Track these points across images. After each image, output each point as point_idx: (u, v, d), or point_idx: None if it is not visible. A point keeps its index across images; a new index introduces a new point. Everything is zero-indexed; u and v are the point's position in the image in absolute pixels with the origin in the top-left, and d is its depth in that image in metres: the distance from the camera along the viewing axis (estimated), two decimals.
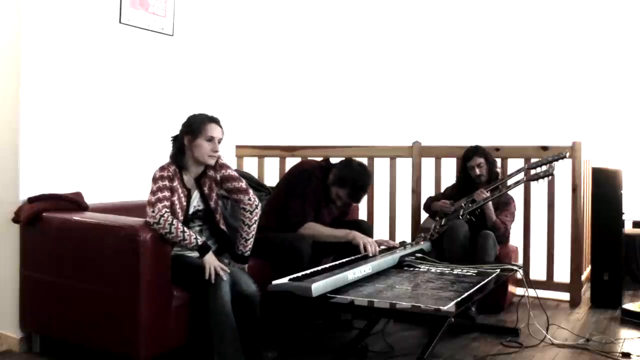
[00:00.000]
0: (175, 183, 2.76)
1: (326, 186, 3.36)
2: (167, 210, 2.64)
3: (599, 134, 5.44)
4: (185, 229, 2.63)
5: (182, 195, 2.76)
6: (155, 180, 2.73)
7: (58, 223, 2.86)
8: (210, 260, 2.64)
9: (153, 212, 2.60)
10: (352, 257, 3.08)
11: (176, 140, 2.83)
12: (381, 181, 4.47)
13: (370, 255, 3.12)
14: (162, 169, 2.76)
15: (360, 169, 3.36)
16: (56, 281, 2.83)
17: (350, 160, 3.42)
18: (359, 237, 3.18)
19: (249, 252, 2.86)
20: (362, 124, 5.96)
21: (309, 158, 4.30)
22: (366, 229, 3.45)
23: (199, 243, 2.64)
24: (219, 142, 2.80)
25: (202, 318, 2.62)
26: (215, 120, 2.81)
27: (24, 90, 3.00)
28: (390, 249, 3.33)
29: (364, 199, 4.37)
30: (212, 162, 2.80)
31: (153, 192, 2.69)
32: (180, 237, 2.59)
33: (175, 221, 2.60)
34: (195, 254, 2.72)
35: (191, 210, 2.81)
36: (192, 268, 2.67)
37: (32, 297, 2.95)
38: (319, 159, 3.76)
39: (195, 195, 2.83)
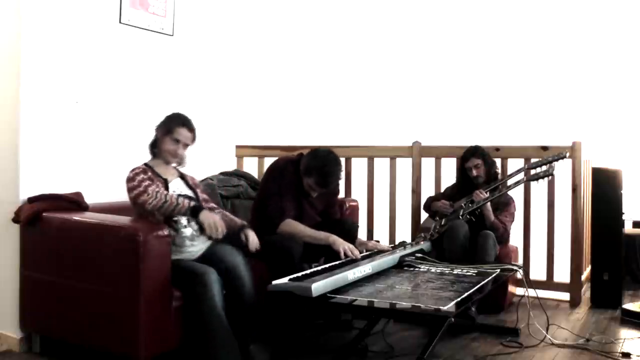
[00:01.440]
0: (149, 174, 2.83)
1: (300, 179, 3.34)
2: (161, 189, 2.75)
3: (599, 134, 5.44)
4: (177, 195, 2.75)
5: (159, 183, 2.83)
6: (130, 180, 2.78)
7: (58, 223, 2.87)
8: (208, 215, 2.73)
9: (148, 194, 2.68)
10: (347, 259, 3.06)
11: (156, 129, 2.97)
12: (381, 181, 4.47)
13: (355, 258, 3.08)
14: (131, 170, 2.84)
15: (326, 155, 3.29)
16: (56, 281, 2.83)
17: (316, 149, 3.36)
18: (339, 244, 3.11)
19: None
20: (362, 124, 5.96)
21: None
22: (350, 228, 3.40)
23: (191, 205, 2.73)
24: (186, 147, 2.91)
25: (194, 320, 2.62)
26: (188, 127, 2.91)
27: (24, 90, 3.00)
28: (380, 252, 3.28)
29: (365, 199, 4.43)
30: (171, 161, 2.92)
31: (136, 186, 2.74)
32: (174, 203, 2.69)
33: (167, 192, 2.74)
34: (191, 256, 2.76)
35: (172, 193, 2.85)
36: (186, 272, 2.67)
37: (32, 297, 2.95)
38: None
39: (176, 183, 2.94)
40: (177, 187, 2.92)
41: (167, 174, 2.93)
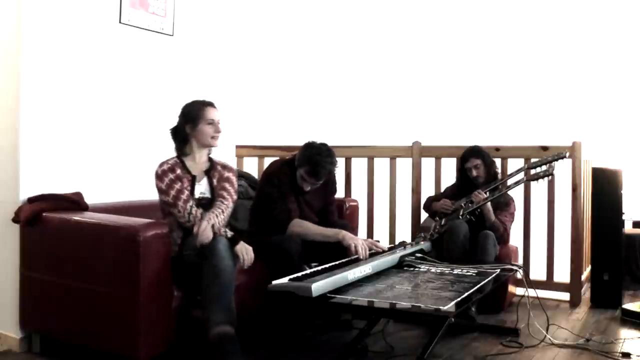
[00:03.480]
0: (178, 171, 2.85)
1: (296, 178, 3.35)
2: (190, 203, 2.77)
3: (599, 134, 5.45)
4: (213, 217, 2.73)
5: (186, 181, 2.85)
6: (159, 177, 2.82)
7: (58, 223, 2.86)
8: (242, 247, 2.73)
9: (179, 211, 2.75)
10: (343, 260, 3.04)
11: (177, 131, 2.95)
12: (381, 181, 4.47)
13: (361, 258, 3.06)
14: (161, 164, 2.87)
15: (319, 146, 3.31)
16: (56, 281, 2.83)
17: (309, 142, 3.38)
18: (349, 238, 3.13)
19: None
20: (362, 124, 5.96)
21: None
22: (342, 229, 3.37)
23: (228, 236, 2.72)
24: (219, 123, 2.94)
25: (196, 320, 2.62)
26: (211, 104, 2.97)
27: (24, 90, 3.00)
28: (378, 254, 3.24)
29: (365, 199, 4.43)
30: (215, 143, 2.94)
31: (165, 192, 2.78)
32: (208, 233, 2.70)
33: (202, 214, 2.74)
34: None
35: (197, 196, 2.88)
36: (191, 267, 2.69)
37: (32, 297, 2.95)
38: None
39: (203, 182, 2.92)
40: (201, 188, 2.91)
41: (196, 169, 2.92)
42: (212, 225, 2.68)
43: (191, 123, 2.90)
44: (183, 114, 2.95)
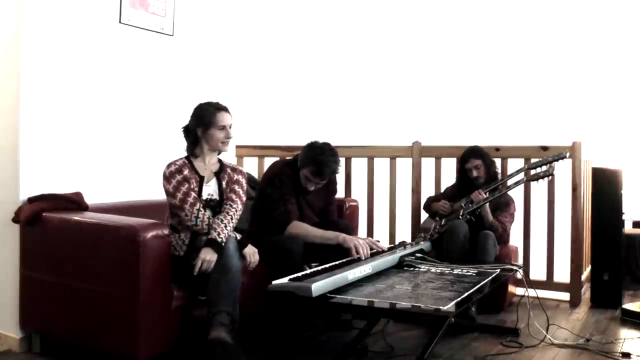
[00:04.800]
0: (186, 172, 2.85)
1: (298, 179, 3.35)
2: (197, 207, 2.77)
3: (599, 134, 5.45)
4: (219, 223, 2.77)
5: (194, 182, 2.85)
6: (167, 178, 2.82)
7: (58, 223, 2.86)
8: (249, 250, 2.82)
9: (186, 215, 2.76)
10: (343, 260, 3.04)
11: (188, 131, 2.95)
12: (381, 181, 4.47)
13: (363, 258, 3.05)
14: (169, 165, 2.87)
15: (322, 146, 3.32)
16: (56, 281, 2.83)
17: (313, 141, 3.38)
18: (350, 240, 3.11)
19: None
20: (362, 124, 5.96)
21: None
22: (344, 229, 3.37)
23: (238, 238, 2.80)
24: (230, 128, 2.93)
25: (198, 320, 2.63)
26: (224, 109, 2.95)
27: (24, 90, 3.00)
28: (378, 253, 3.23)
29: (365, 199, 4.43)
30: (226, 148, 2.95)
31: (172, 194, 2.79)
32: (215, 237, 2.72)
33: (210, 218, 2.77)
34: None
35: (204, 197, 2.88)
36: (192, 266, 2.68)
37: (32, 297, 2.95)
38: None
39: (211, 184, 2.92)
40: (209, 190, 2.90)
41: (205, 171, 2.92)
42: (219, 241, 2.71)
43: (203, 126, 2.88)
44: (195, 115, 2.93)
